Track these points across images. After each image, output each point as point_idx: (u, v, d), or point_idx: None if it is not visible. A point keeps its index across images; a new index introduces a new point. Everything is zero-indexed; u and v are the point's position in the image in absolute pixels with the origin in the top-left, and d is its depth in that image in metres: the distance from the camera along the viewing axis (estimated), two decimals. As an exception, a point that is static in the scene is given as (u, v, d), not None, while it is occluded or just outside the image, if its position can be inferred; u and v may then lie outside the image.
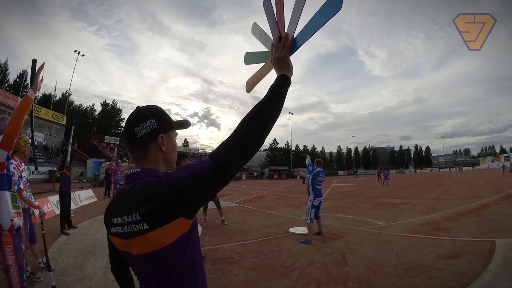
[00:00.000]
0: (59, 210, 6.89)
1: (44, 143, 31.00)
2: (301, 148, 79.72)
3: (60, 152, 29.13)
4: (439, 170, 77.09)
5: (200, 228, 4.60)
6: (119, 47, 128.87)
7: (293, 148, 73.87)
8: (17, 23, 76.48)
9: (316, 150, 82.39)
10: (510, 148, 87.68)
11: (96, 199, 12.92)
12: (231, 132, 0.84)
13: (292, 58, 0.98)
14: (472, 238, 5.39)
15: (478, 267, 3.86)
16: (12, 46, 66.26)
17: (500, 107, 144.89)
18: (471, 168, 73.82)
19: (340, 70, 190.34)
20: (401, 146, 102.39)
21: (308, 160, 6.47)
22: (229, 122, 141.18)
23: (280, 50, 0.97)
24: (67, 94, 42.96)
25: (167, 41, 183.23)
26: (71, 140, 7.48)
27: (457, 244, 5.11)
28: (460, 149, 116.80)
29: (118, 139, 42.72)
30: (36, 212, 3.87)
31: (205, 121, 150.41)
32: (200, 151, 60.43)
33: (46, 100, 39.18)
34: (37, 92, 2.26)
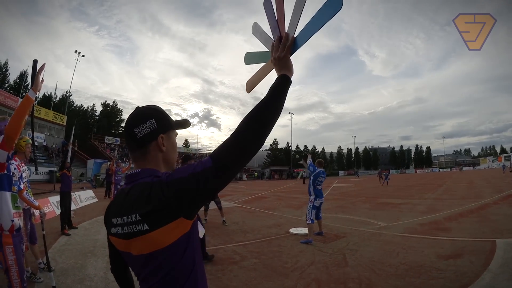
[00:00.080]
0: (60, 211, 6.90)
1: (44, 144, 31.03)
2: (302, 148, 79.71)
3: (61, 153, 29.15)
4: (439, 170, 77.04)
5: (203, 230, 4.62)
6: (119, 47, 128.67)
7: (293, 148, 73.90)
8: (17, 24, 76.56)
9: (317, 150, 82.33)
10: (511, 148, 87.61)
11: (96, 200, 12.92)
12: (232, 132, 0.84)
13: (292, 58, 0.98)
14: (472, 238, 5.38)
15: (478, 267, 3.85)
16: (12, 47, 66.31)
17: (501, 107, 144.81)
18: (471, 168, 73.77)
19: (340, 70, 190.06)
20: (401, 146, 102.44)
21: (309, 160, 6.44)
22: (230, 122, 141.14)
23: (280, 50, 0.97)
24: (67, 94, 43.00)
25: (167, 42, 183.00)
26: (71, 141, 7.51)
27: (457, 244, 5.10)
28: (460, 149, 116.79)
29: (118, 139, 42.73)
30: (37, 212, 3.87)
31: (206, 121, 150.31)
32: (201, 151, 60.42)
33: (46, 101, 39.21)
34: (37, 93, 2.26)
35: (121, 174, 13.12)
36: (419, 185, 23.26)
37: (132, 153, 0.97)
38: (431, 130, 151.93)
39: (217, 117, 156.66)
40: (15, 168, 2.92)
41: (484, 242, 5.06)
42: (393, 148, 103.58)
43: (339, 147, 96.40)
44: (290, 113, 66.16)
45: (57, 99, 42.77)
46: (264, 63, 1.21)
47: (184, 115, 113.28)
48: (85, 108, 50.49)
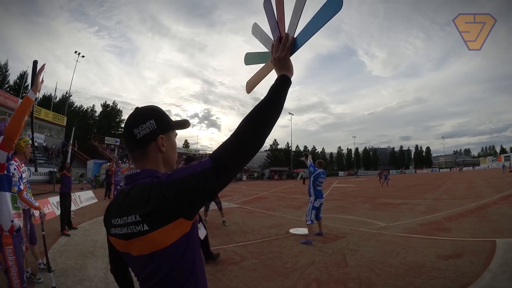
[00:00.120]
0: (60, 211, 6.89)
1: (44, 144, 31.01)
2: (302, 149, 79.71)
3: (61, 153, 29.14)
4: (439, 171, 77.07)
5: (204, 232, 4.62)
6: (119, 48, 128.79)
7: (293, 148, 73.93)
8: (17, 25, 76.51)
9: (317, 150, 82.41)
10: (511, 148, 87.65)
11: (96, 200, 12.92)
12: (232, 133, 0.84)
13: (292, 58, 0.98)
14: (472, 238, 5.38)
15: (478, 267, 3.85)
16: (12, 47, 66.34)
17: (500, 107, 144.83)
18: (471, 168, 73.78)
19: (340, 71, 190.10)
20: (401, 147, 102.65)
21: (309, 161, 6.43)
22: (230, 123, 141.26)
23: (280, 50, 0.97)
24: (67, 95, 43.03)
25: (167, 42, 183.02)
26: (71, 141, 7.50)
27: (457, 244, 5.10)
28: (460, 149, 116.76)
29: (118, 140, 42.73)
30: (37, 213, 3.87)
31: (206, 122, 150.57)
32: (201, 152, 60.44)
33: (46, 101, 39.22)
34: (37, 93, 2.26)
35: (121, 174, 13.11)
36: (419, 185, 23.26)
37: (131, 153, 0.96)
38: (431, 130, 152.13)
39: (217, 118, 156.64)
40: (15, 169, 2.92)
41: (484, 242, 5.06)
42: (393, 148, 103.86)
43: (339, 147, 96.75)
44: (290, 113, 66.31)
45: (57, 99, 42.80)
46: (264, 64, 1.21)
47: (184, 116, 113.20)
48: (85, 108, 50.66)
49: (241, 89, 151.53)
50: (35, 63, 2.45)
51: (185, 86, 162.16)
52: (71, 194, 7.32)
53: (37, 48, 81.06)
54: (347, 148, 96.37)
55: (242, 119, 0.85)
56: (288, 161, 65.78)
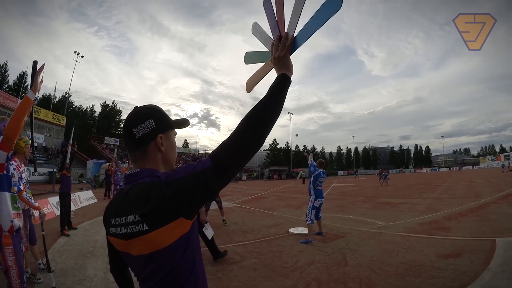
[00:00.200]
0: (59, 211, 6.89)
1: (44, 145, 31.00)
2: (301, 148, 79.67)
3: (60, 153, 29.08)
4: (439, 170, 77.13)
5: (211, 232, 4.63)
6: (119, 48, 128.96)
7: (293, 148, 73.89)
8: (16, 25, 76.55)
9: (316, 150, 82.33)
10: (510, 147, 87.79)
11: (96, 200, 12.90)
12: (231, 132, 0.84)
13: (292, 58, 0.98)
14: (472, 238, 5.39)
15: (478, 266, 3.86)
16: (11, 48, 66.36)
17: (500, 106, 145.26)
18: (471, 167, 73.83)
19: (339, 70, 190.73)
20: (401, 146, 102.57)
21: (310, 160, 6.43)
22: (229, 122, 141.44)
23: (280, 49, 0.97)
24: (66, 95, 43.04)
25: (166, 42, 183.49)
26: (71, 141, 7.49)
27: (457, 243, 5.10)
28: (460, 149, 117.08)
29: (118, 140, 42.71)
30: (36, 213, 3.87)
31: (205, 121, 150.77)
32: (200, 151, 60.43)
33: (46, 101, 39.20)
34: (36, 93, 2.26)
35: (120, 174, 13.13)
36: (419, 184, 23.27)
37: (131, 153, 0.96)
38: (430, 130, 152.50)
39: (216, 118, 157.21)
40: (14, 169, 2.92)
41: (484, 241, 5.07)
42: (393, 147, 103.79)
43: (339, 147, 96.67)
44: (289, 113, 66.12)
45: (57, 99, 42.83)
46: (264, 63, 1.21)
47: (183, 116, 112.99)
48: (85, 108, 50.61)
49: (241, 89, 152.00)
50: (34, 63, 2.45)
51: (185, 86, 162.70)
52: (71, 194, 7.32)
53: (36, 48, 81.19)
54: (347, 148, 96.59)
55: (241, 118, 0.84)
56: (287, 160, 65.76)
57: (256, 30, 1.27)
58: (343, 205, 11.51)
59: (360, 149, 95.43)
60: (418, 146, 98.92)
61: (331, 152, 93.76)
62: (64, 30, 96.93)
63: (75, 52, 37.80)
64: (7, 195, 2.35)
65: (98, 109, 51.46)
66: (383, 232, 6.25)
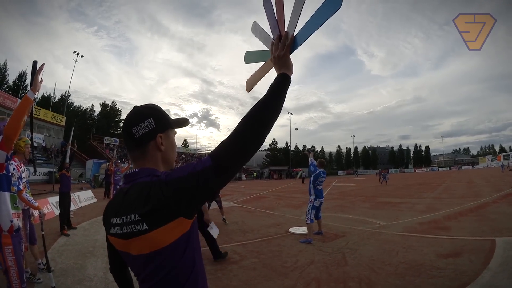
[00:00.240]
0: (59, 211, 6.88)
1: (43, 144, 30.97)
2: (301, 148, 79.69)
3: (60, 153, 29.06)
4: (438, 170, 77.18)
5: (217, 231, 4.63)
6: (118, 48, 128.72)
7: (292, 148, 73.93)
8: (16, 25, 76.33)
9: (316, 150, 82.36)
10: (510, 147, 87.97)
11: (95, 200, 12.89)
12: (231, 131, 0.84)
13: (291, 57, 0.98)
14: (472, 237, 5.39)
15: (478, 266, 3.86)
16: (11, 48, 66.24)
17: (500, 106, 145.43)
18: (470, 167, 73.88)
19: (339, 70, 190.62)
20: (400, 146, 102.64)
21: (311, 159, 6.42)
22: (229, 122, 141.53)
23: (280, 49, 0.97)
24: (66, 95, 43.00)
25: (166, 42, 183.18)
26: (70, 141, 7.47)
27: (457, 243, 5.11)
28: (459, 148, 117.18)
29: (117, 140, 42.70)
30: (36, 213, 3.87)
31: (205, 121, 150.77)
32: (200, 151, 60.44)
33: (45, 101, 39.18)
34: (36, 93, 2.25)
35: (120, 174, 13.13)
36: (418, 184, 23.29)
37: (130, 152, 0.96)
38: (430, 130, 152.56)
39: (216, 117, 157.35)
40: (14, 169, 2.92)
41: (483, 240, 5.07)
42: (392, 147, 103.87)
43: (338, 146, 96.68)
44: (289, 112, 66.15)
45: (56, 99, 42.82)
46: (264, 62, 1.21)
47: (183, 115, 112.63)
48: (84, 108, 50.53)
49: (240, 89, 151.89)
50: (34, 63, 2.44)
51: (184, 86, 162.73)
52: (71, 194, 7.31)
53: (36, 48, 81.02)
54: (346, 147, 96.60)
55: (241, 118, 0.84)
56: (287, 160, 65.80)
57: (256, 29, 1.27)
58: (343, 204, 11.52)
59: (359, 148, 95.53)
60: (418, 146, 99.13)
61: (330, 152, 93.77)
62: (64, 30, 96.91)
63: (74, 52, 37.82)
64: (7, 194, 2.35)
65: (97, 109, 51.50)
66: (383, 232, 6.25)
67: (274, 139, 73.75)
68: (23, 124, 2.21)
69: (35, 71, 2.31)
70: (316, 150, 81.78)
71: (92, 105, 52.43)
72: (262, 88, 1.00)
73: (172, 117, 1.04)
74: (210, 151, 0.87)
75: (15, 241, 2.34)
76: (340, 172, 72.69)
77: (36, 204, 3.42)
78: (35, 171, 21.65)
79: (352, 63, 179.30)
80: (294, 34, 0.97)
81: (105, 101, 52.43)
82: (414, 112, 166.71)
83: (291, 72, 0.95)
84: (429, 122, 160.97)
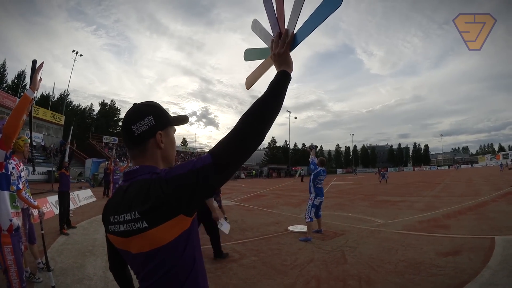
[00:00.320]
0: (58, 210, 6.87)
1: (42, 144, 30.93)
2: (300, 146, 79.67)
3: (59, 152, 29.04)
4: (437, 168, 77.32)
5: (228, 226, 4.61)
6: (117, 47, 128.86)
7: (291, 146, 73.94)
8: (15, 24, 76.29)
9: (317, 147, 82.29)
10: (509, 146, 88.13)
11: (95, 199, 12.90)
12: (231, 129, 0.83)
13: (291, 55, 0.98)
14: (471, 236, 5.40)
15: (477, 264, 3.87)
16: (10, 47, 66.29)
17: (499, 105, 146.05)
18: (469, 166, 74.03)
19: (338, 69, 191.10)
20: (399, 144, 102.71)
21: (312, 158, 6.39)
22: (228, 121, 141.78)
23: (280, 46, 0.97)
24: (65, 94, 42.97)
25: (165, 41, 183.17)
26: (69, 140, 7.46)
27: (456, 241, 5.12)
28: (458, 147, 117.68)
29: (116, 138, 42.68)
30: (35, 212, 3.86)
31: (204, 120, 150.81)
32: (199, 150, 60.44)
33: (44, 100, 39.11)
34: (35, 92, 2.24)
35: (119, 173, 13.14)
36: (417, 183, 23.32)
37: (130, 150, 0.95)
38: (429, 128, 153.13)
39: (215, 116, 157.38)
40: (13, 168, 2.91)
41: (483, 239, 5.08)
42: (391, 146, 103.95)
43: (337, 145, 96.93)
44: (288, 111, 66.05)
45: (55, 98, 42.77)
46: (264, 60, 1.21)
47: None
48: (83, 107, 50.49)
49: (239, 87, 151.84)
50: (34, 62, 2.43)
51: (183, 85, 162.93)
52: (70, 193, 7.31)
53: (35, 47, 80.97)
54: (345, 146, 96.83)
55: (240, 117, 0.84)
56: (286, 158, 65.81)
57: (256, 27, 1.26)
58: (342, 203, 11.54)
59: (358, 147, 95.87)
60: (417, 145, 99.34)
61: (329, 150, 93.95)
62: (63, 29, 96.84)
63: (73, 51, 37.77)
64: (6, 194, 2.34)
65: (96, 107, 51.51)
66: (382, 230, 6.26)
67: (273, 138, 73.91)
68: (23, 123, 2.20)
69: (35, 70, 2.30)
70: (317, 148, 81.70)
71: (91, 104, 52.76)
72: (261, 86, 0.99)
73: (171, 114, 1.04)
74: (208, 150, 0.86)
75: (14, 241, 2.34)
76: (339, 171, 72.64)
77: (36, 203, 3.41)
78: (34, 170, 21.63)
79: (351, 62, 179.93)
80: (294, 32, 0.97)
81: (104, 100, 52.53)
82: (413, 111, 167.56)
83: (291, 69, 0.94)
84: (428, 121, 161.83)
